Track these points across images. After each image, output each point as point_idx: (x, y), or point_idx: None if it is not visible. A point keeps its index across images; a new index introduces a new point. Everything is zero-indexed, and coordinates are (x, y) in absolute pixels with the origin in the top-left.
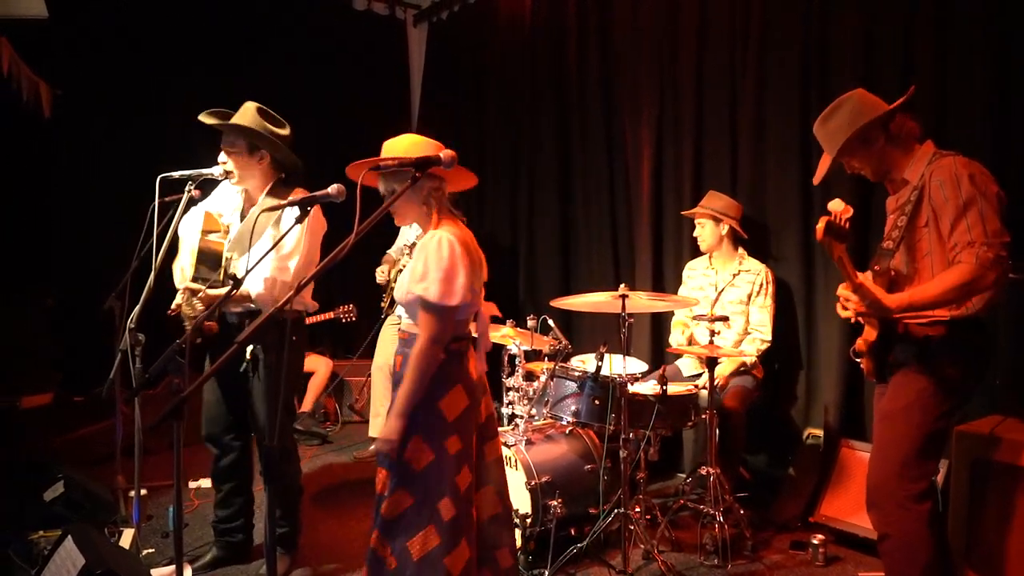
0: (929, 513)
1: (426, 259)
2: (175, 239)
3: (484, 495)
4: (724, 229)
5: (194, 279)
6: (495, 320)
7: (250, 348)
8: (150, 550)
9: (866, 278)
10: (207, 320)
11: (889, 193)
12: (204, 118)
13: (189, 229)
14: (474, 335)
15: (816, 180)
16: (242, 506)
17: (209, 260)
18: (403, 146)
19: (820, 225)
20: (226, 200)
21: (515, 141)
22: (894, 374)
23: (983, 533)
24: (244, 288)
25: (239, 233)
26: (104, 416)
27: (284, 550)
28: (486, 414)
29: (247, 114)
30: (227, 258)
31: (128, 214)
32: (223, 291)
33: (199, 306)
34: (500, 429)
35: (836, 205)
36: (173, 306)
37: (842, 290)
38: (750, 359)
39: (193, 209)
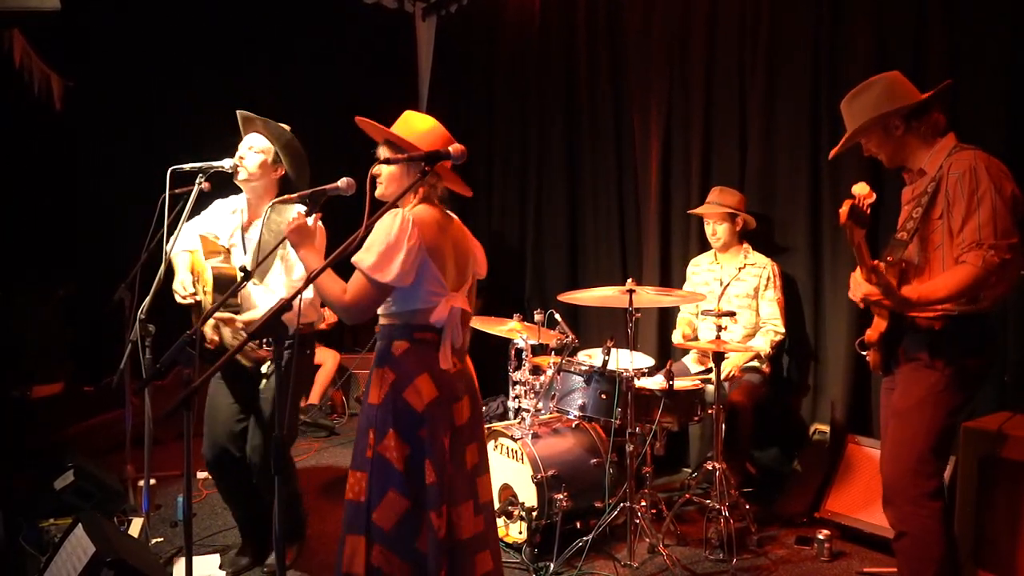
0: (942, 510)
1: (376, 230)
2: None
3: (464, 511)
4: (739, 225)
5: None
6: (498, 305)
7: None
8: (159, 539)
9: (880, 268)
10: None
11: (906, 183)
12: (248, 115)
13: (182, 246)
14: (438, 327)
15: (831, 155)
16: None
17: (226, 287)
18: (422, 129)
19: (844, 208)
20: (220, 221)
21: (524, 135)
22: (902, 368)
23: (991, 530)
24: (259, 305)
25: (257, 252)
26: (114, 406)
27: (288, 542)
28: (468, 415)
29: (282, 128)
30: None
31: (139, 206)
32: (253, 314)
33: (243, 334)
34: (506, 423)
35: (861, 188)
36: (209, 340)
37: (857, 276)
38: (764, 352)
39: (185, 227)
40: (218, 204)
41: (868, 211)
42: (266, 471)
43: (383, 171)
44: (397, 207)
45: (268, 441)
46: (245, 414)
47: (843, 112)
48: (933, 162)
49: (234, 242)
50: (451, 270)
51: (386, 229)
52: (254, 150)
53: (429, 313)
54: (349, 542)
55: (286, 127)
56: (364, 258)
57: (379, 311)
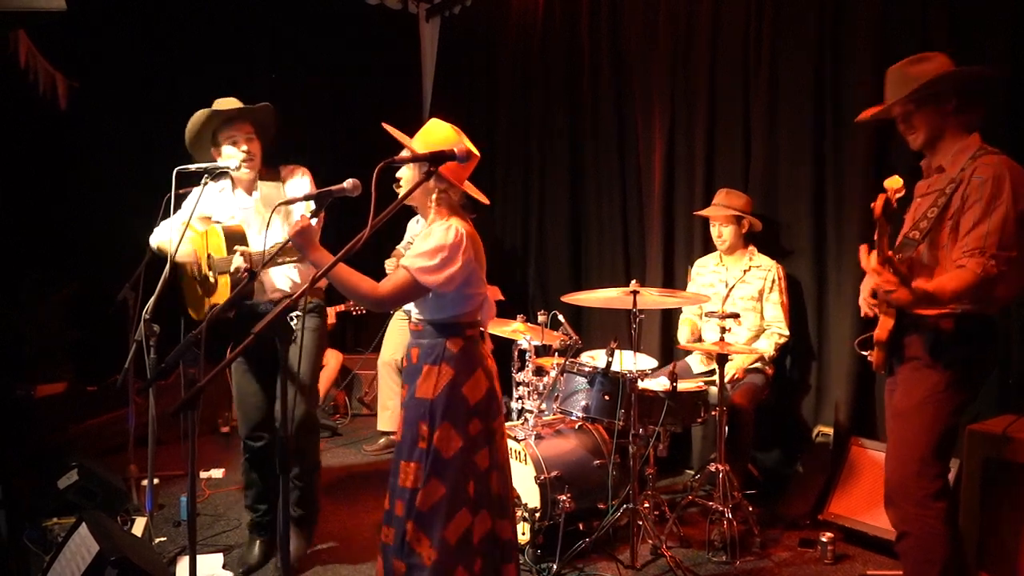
0: (946, 511)
1: (431, 237)
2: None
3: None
4: (745, 227)
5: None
6: (501, 306)
7: (294, 324)
8: (162, 539)
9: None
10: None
11: (923, 176)
12: (225, 105)
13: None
14: (482, 320)
15: (868, 115)
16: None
17: (238, 241)
18: (436, 139)
19: (879, 203)
20: (210, 203)
21: (527, 137)
22: (903, 369)
23: (995, 532)
24: (275, 284)
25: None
26: (117, 406)
27: (301, 531)
28: (500, 400)
29: (233, 103)
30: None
31: (143, 205)
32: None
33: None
34: (509, 424)
35: (894, 182)
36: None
37: (872, 262)
38: (768, 354)
39: (174, 220)
40: (209, 192)
41: (895, 205)
42: (299, 429)
43: (403, 175)
44: (434, 214)
45: (297, 401)
46: (274, 391)
47: (892, 76)
48: (955, 161)
49: (233, 216)
50: (483, 266)
51: (440, 240)
52: (247, 136)
53: (477, 311)
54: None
55: (237, 102)
56: (416, 262)
57: (429, 313)
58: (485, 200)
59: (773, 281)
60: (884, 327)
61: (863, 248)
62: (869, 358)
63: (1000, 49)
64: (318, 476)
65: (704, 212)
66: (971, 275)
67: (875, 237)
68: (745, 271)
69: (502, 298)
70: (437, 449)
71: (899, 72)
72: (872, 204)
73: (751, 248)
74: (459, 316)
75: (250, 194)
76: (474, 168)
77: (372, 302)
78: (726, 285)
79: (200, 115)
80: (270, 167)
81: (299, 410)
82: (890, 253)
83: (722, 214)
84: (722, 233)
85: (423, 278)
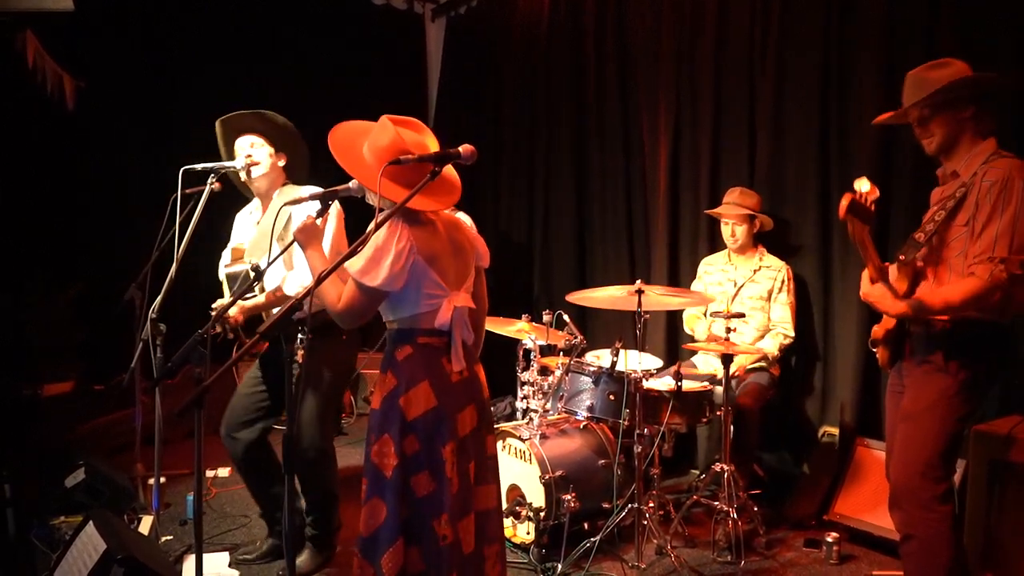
0: (951, 514)
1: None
2: (196, 230)
3: (470, 524)
4: (756, 227)
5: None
6: (505, 306)
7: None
8: (168, 537)
9: (891, 269)
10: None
11: (938, 183)
12: (240, 117)
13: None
14: (444, 330)
15: (877, 120)
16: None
17: (238, 285)
18: (384, 141)
19: (844, 203)
20: (242, 229)
21: (532, 136)
22: (914, 372)
23: (1001, 534)
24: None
25: (256, 238)
26: (123, 405)
27: (317, 550)
28: (473, 427)
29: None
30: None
31: (150, 205)
32: (260, 299)
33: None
34: (514, 423)
35: (862, 184)
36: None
37: (864, 275)
38: (771, 354)
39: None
40: (238, 217)
41: (872, 208)
42: (303, 464)
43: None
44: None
45: (304, 428)
46: (265, 404)
47: (911, 79)
48: (968, 166)
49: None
50: (449, 268)
51: (375, 236)
52: (257, 146)
53: (432, 317)
54: None
55: (266, 112)
56: (354, 263)
57: (384, 316)
58: (441, 206)
59: (783, 282)
60: (884, 326)
61: (864, 274)
62: (877, 355)
63: (1008, 50)
64: (334, 504)
65: (718, 210)
66: (979, 282)
67: (859, 250)
68: (755, 271)
69: (474, 307)
70: (375, 465)
71: (918, 76)
72: (840, 204)
73: (760, 248)
74: (407, 320)
75: (266, 208)
76: (429, 170)
77: (335, 315)
78: (735, 284)
79: (217, 127)
80: (294, 186)
81: (303, 443)
82: (884, 264)
83: (737, 212)
84: (735, 232)
85: (364, 279)
